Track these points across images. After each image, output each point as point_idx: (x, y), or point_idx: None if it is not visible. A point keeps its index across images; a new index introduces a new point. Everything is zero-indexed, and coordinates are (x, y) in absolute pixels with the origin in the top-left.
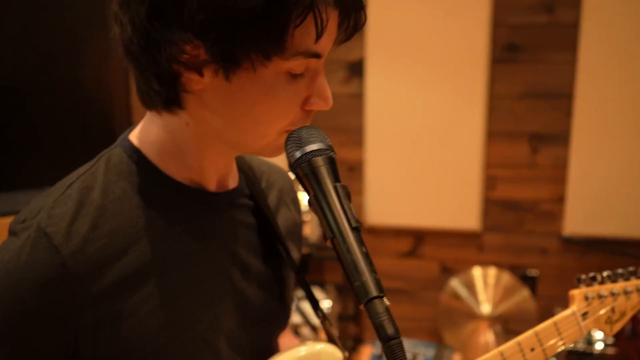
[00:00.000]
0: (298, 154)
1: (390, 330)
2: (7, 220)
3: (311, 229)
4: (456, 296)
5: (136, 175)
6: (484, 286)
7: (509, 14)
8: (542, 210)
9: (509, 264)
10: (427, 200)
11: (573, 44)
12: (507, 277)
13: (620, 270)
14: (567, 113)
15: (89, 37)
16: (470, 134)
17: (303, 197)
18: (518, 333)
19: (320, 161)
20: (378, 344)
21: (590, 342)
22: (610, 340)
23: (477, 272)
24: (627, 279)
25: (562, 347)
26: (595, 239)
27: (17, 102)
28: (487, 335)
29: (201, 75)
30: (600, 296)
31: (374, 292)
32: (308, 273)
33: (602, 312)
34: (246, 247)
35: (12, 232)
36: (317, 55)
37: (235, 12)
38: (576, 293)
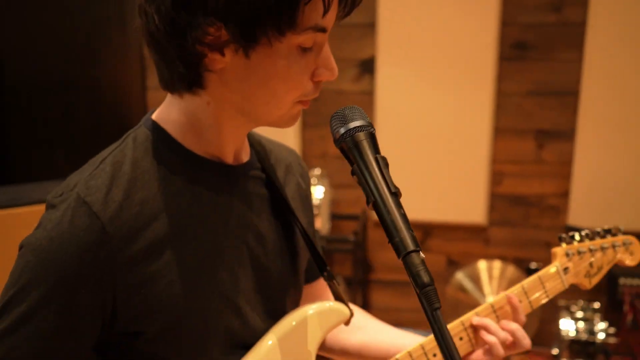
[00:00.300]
0: (342, 130)
1: (425, 278)
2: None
3: (322, 222)
4: (462, 289)
5: (161, 150)
6: (489, 279)
7: (518, 13)
8: (547, 204)
9: (513, 257)
10: (435, 194)
11: (580, 43)
12: (512, 270)
13: (597, 229)
14: (573, 110)
15: (108, 36)
16: (478, 130)
17: (312, 173)
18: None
19: (362, 136)
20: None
21: (592, 332)
22: (612, 331)
23: (482, 265)
24: (603, 237)
25: (546, 299)
26: None
27: (36, 99)
28: None
29: (223, 55)
30: (579, 252)
31: (411, 246)
32: None
33: (581, 267)
34: (260, 217)
35: (51, 205)
36: (323, 30)
37: None
38: (558, 250)
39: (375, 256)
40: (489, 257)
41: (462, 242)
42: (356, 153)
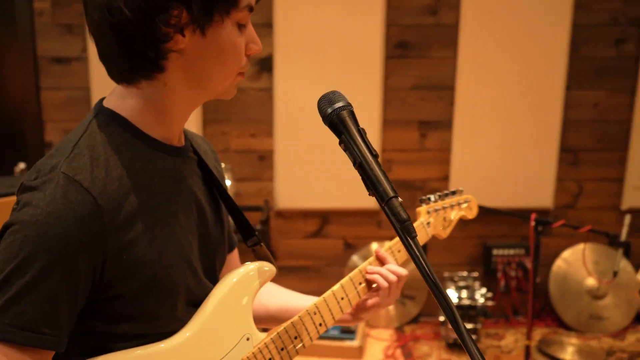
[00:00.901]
0: (329, 110)
1: (404, 215)
2: None
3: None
4: None
5: (122, 134)
6: None
7: (399, 16)
8: (430, 187)
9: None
10: (331, 184)
11: (454, 42)
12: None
13: (445, 192)
14: (450, 102)
15: None
16: (369, 122)
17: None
18: (412, 297)
19: (345, 113)
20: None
21: (473, 298)
22: (490, 295)
23: (374, 246)
24: (451, 197)
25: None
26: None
27: None
28: None
29: (183, 35)
30: (436, 210)
31: (391, 193)
32: None
33: (438, 221)
34: (200, 191)
35: (31, 187)
36: (252, 9)
37: None
38: (421, 209)
39: (278, 244)
40: (381, 238)
41: (357, 226)
42: (342, 126)
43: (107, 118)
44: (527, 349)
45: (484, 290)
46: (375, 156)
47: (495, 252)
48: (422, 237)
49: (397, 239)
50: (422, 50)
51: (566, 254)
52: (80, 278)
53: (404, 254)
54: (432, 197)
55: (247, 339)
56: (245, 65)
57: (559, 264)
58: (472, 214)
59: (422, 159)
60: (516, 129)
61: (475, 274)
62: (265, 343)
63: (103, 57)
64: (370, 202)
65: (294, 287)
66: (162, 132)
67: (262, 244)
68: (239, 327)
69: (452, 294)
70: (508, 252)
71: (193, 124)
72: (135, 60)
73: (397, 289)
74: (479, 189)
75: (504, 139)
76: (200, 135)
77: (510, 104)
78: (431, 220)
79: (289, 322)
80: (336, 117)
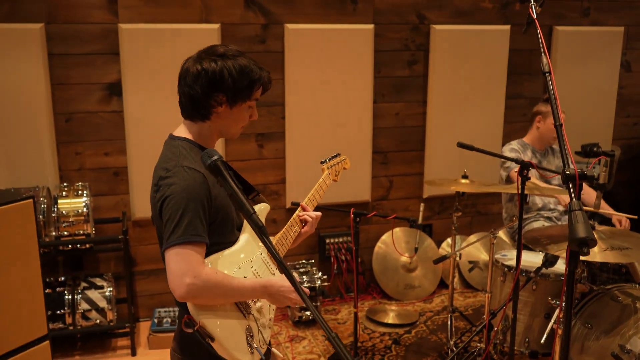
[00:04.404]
0: (209, 161)
1: (260, 223)
2: None
3: (91, 227)
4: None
5: (193, 147)
6: None
7: (233, 43)
8: (270, 190)
9: None
10: None
11: (282, 66)
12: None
13: (334, 154)
14: (282, 117)
15: None
16: None
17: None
18: None
19: (219, 163)
20: (155, 318)
21: (313, 281)
22: (325, 277)
23: None
24: (337, 157)
25: (326, 187)
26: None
27: None
28: None
29: (221, 107)
30: (332, 165)
31: (251, 211)
32: (84, 268)
33: (333, 173)
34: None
35: (168, 177)
36: (257, 99)
37: (240, 86)
38: (325, 166)
39: (137, 250)
40: None
41: None
42: (217, 171)
43: (183, 141)
44: (356, 316)
45: (320, 274)
46: (242, 190)
47: (328, 240)
48: (328, 183)
49: (310, 194)
50: None
51: (384, 237)
52: (205, 210)
53: (314, 204)
54: (327, 159)
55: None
56: (247, 124)
57: (379, 245)
58: (347, 165)
59: (261, 166)
60: (337, 136)
61: (313, 260)
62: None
63: (181, 104)
64: None
65: (153, 288)
66: (207, 146)
67: (259, 194)
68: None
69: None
70: (338, 240)
71: (48, 145)
72: (196, 111)
73: (316, 222)
74: (310, 189)
75: (328, 145)
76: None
77: (331, 116)
78: (332, 172)
79: (277, 237)
80: (213, 165)
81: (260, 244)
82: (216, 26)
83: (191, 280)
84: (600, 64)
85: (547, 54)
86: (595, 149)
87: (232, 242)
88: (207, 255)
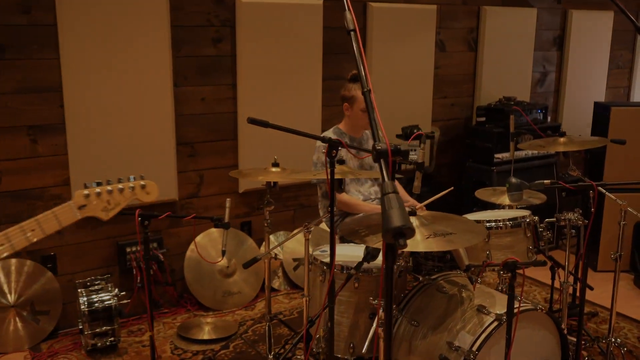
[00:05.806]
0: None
1: None
2: None
3: None
4: None
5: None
6: (7, 277)
7: None
8: (51, 194)
9: (26, 251)
10: None
11: (55, 43)
12: (29, 263)
13: (118, 178)
14: (60, 105)
15: None
16: None
17: None
18: (47, 312)
19: None
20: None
21: (108, 299)
22: (124, 293)
23: None
24: (120, 182)
25: (59, 227)
26: None
27: None
28: (16, 322)
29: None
30: (97, 194)
31: None
32: None
33: (98, 204)
34: None
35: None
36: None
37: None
38: (77, 193)
39: None
40: None
41: None
42: None
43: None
44: (151, 339)
45: (116, 290)
46: None
47: (129, 249)
48: (69, 219)
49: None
50: (20, 52)
51: (198, 239)
52: None
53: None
54: (95, 184)
55: None
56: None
57: (192, 248)
58: (150, 197)
59: (36, 165)
60: (132, 126)
61: (108, 275)
62: None
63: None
64: None
65: None
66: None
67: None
68: None
69: (86, 299)
70: (137, 247)
71: None
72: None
73: None
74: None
75: (122, 137)
76: None
77: (123, 103)
78: (87, 203)
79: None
80: None
81: None
82: None
83: None
84: (416, 43)
85: (351, 9)
86: (415, 130)
87: None
88: None
